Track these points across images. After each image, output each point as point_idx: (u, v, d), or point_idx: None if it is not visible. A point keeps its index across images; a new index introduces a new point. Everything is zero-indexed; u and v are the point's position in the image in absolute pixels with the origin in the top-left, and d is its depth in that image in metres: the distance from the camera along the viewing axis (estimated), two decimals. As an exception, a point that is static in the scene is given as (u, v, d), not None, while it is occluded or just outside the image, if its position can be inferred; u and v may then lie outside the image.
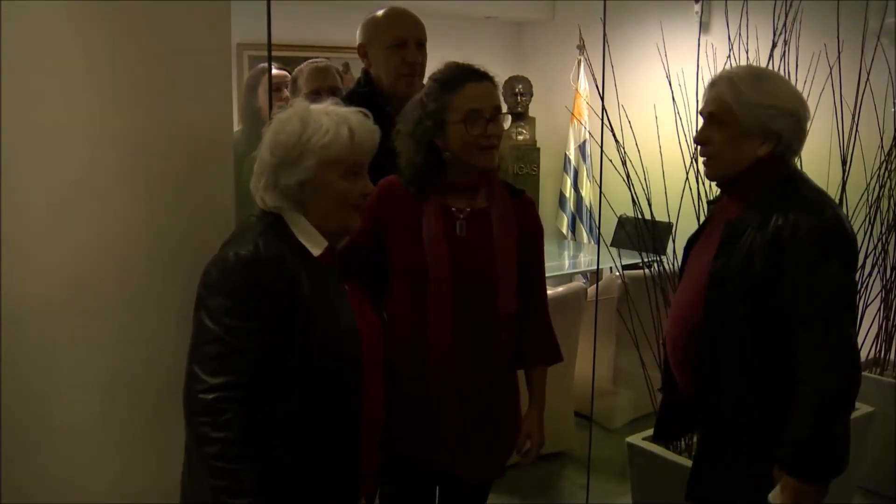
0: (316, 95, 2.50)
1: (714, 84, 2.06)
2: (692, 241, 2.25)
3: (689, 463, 3.18)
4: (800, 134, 2.02)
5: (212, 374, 1.59)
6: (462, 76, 1.99)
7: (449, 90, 1.97)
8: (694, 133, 3.27)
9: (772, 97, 1.97)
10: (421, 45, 2.45)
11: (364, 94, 2.40)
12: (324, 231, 1.75)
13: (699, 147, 2.12)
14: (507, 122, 2.03)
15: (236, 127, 2.92)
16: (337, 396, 1.73)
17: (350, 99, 2.26)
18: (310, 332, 1.67)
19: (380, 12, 2.48)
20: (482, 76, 2.01)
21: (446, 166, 1.99)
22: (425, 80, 2.15)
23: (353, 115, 1.75)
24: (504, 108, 2.09)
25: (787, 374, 1.92)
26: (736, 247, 1.98)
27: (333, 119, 1.72)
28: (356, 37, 2.51)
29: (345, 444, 1.76)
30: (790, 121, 1.98)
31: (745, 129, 1.99)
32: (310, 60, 3.25)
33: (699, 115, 2.12)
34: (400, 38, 2.42)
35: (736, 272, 1.97)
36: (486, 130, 1.97)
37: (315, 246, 1.73)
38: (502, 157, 2.07)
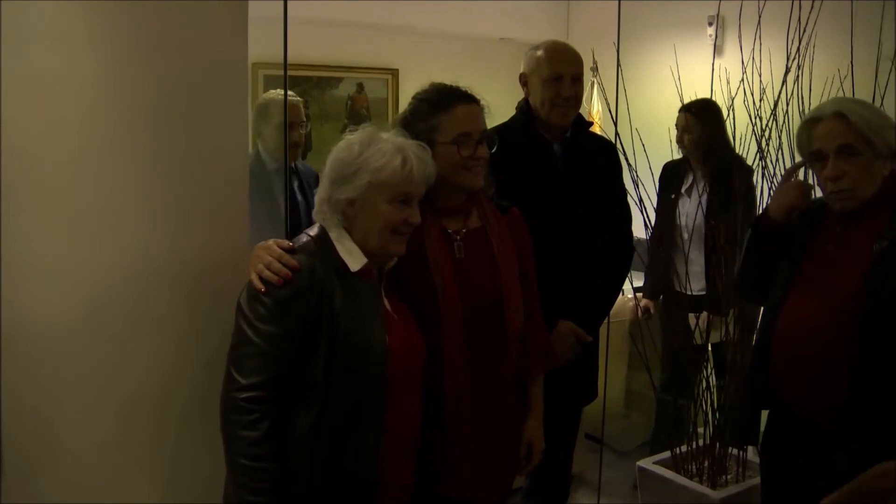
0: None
1: (822, 119, 2.04)
2: (798, 255, 2.17)
3: (698, 487, 3.18)
4: None
5: (244, 375, 1.70)
6: (452, 98, 1.99)
7: (439, 111, 1.98)
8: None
9: (887, 118, 2.03)
10: (576, 79, 2.61)
11: (523, 121, 2.64)
12: (365, 250, 1.81)
13: (831, 183, 2.04)
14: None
15: (250, 147, 2.94)
16: (358, 409, 1.76)
17: (511, 124, 2.61)
18: (334, 343, 1.73)
19: (541, 46, 2.65)
20: (470, 98, 2.01)
21: (434, 187, 1.95)
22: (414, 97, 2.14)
23: (413, 147, 1.83)
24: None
25: None
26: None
27: (392, 146, 1.80)
28: (521, 66, 2.68)
29: (363, 458, 1.78)
30: None
31: (878, 153, 2.02)
32: None
33: (819, 153, 2.05)
34: (557, 73, 2.58)
35: None
36: (475, 152, 1.98)
37: (354, 262, 1.79)
38: (487, 177, 2.06)
